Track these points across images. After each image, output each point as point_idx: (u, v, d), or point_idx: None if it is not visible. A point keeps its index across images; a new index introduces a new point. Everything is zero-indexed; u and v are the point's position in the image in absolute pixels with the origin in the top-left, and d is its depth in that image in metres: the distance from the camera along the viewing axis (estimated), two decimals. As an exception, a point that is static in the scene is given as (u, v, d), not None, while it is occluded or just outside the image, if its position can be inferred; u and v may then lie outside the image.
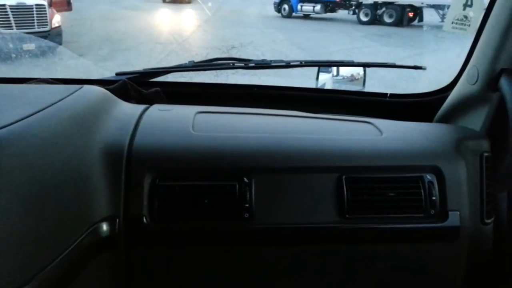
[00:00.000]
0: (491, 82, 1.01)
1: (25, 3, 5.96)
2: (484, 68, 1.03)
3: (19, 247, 0.62)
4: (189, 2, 15.23)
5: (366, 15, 11.60)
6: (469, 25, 1.16)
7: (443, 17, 11.04)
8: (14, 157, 0.65)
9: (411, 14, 11.09)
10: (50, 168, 0.70)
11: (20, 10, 5.91)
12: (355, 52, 7.48)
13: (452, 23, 1.19)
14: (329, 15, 12.86)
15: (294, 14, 12.79)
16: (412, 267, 0.95)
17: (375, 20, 11.43)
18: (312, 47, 8.16)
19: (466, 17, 1.17)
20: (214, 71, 1.60)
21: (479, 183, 0.97)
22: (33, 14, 5.98)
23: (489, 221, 0.98)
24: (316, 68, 1.55)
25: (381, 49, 8.01)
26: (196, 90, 1.38)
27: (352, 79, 1.57)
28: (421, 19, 11.50)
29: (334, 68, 1.56)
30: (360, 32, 9.94)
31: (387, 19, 11.26)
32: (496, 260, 1.00)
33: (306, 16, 12.99)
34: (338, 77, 1.57)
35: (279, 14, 12.98)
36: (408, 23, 11.26)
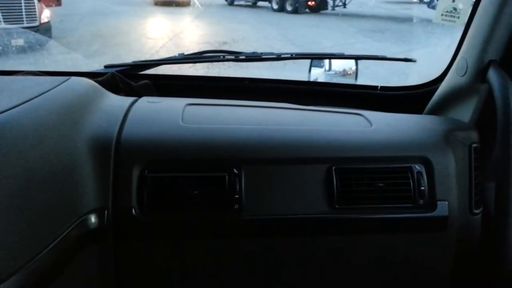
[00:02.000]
0: (480, 73, 1.02)
1: (13, -3, 5.86)
2: (473, 60, 1.03)
3: (5, 239, 0.61)
4: (188, 5, 13.69)
5: (277, 3, 13.30)
6: (458, 17, 1.16)
7: (333, 6, 12.86)
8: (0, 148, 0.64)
9: (311, 3, 12.58)
10: (37, 159, 0.69)
11: (8, 5, 5.80)
12: (348, 48, 7.48)
13: (442, 15, 1.19)
14: (260, 3, 14.74)
15: (235, 2, 14.86)
16: (401, 257, 0.96)
17: (283, 9, 13.06)
18: (303, 42, 8.17)
19: (455, 9, 1.17)
20: (206, 67, 1.59)
21: (468, 174, 0.98)
22: (21, 9, 5.88)
23: (477, 211, 0.99)
24: (307, 62, 1.55)
25: (374, 44, 8.03)
26: (186, 83, 1.37)
27: (344, 73, 1.57)
28: (324, 8, 13.06)
29: (327, 63, 1.56)
30: (353, 28, 9.96)
31: (288, 8, 12.86)
32: (484, 251, 1.01)
33: (254, 4, 14.78)
34: (330, 72, 1.57)
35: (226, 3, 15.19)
36: (313, 11, 12.79)
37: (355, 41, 8.42)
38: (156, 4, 13.43)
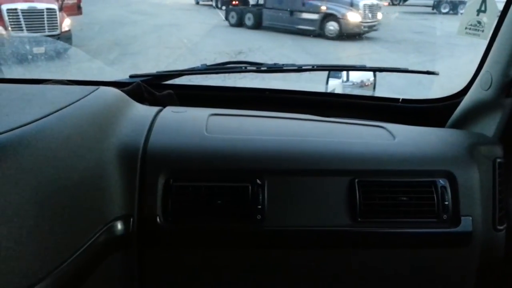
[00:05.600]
0: (505, 87, 1.01)
1: (36, 7, 6.02)
2: (498, 74, 1.03)
3: (34, 245, 0.62)
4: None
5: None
6: (483, 31, 1.16)
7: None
8: (31, 156, 0.66)
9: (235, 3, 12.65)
10: (67, 167, 0.71)
11: (31, 14, 5.97)
12: (364, 59, 7.44)
13: (466, 28, 1.19)
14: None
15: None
16: (424, 272, 0.95)
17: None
18: (317, 52, 8.16)
19: (479, 22, 1.17)
20: (222, 76, 1.60)
21: (492, 189, 0.96)
22: (43, 18, 6.04)
23: (501, 227, 0.97)
24: (325, 73, 1.55)
25: (391, 55, 7.99)
26: (208, 93, 1.39)
27: (362, 85, 1.57)
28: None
29: (344, 74, 1.56)
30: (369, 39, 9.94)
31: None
32: (507, 267, 0.99)
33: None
34: (348, 83, 1.57)
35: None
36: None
37: (372, 51, 8.39)
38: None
